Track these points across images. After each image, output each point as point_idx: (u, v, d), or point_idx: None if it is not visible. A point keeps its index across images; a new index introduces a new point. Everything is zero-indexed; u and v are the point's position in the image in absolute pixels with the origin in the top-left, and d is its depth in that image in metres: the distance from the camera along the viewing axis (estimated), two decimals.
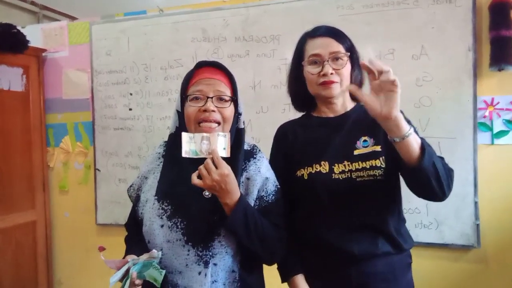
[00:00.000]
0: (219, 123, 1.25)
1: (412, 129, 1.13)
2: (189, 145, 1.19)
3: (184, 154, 1.19)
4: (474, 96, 2.15)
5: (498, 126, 2.15)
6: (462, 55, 2.16)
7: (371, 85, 1.13)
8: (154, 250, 1.20)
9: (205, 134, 1.19)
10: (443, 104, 2.19)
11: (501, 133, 2.15)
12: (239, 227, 1.19)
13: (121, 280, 1.17)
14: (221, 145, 1.19)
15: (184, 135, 1.20)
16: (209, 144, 1.18)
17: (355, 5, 2.33)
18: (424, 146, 1.14)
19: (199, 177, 1.17)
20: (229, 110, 1.27)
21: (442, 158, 1.25)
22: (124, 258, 1.23)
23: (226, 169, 1.16)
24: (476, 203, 2.15)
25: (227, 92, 1.27)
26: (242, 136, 1.33)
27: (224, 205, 1.20)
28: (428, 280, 2.21)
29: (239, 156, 1.29)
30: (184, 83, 1.30)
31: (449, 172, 1.22)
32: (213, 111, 1.23)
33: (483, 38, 2.15)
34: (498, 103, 2.14)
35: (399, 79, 2.32)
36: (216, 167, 1.15)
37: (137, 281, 1.18)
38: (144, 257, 1.19)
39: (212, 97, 1.24)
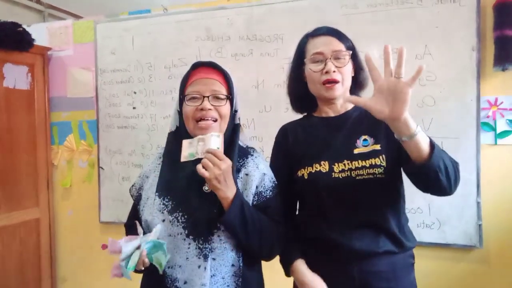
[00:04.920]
0: (216, 120, 1.29)
1: (419, 127, 1.12)
2: (188, 150, 1.23)
3: (182, 159, 1.23)
4: (477, 96, 2.14)
5: (501, 126, 2.14)
6: (466, 55, 2.15)
7: (376, 86, 1.11)
8: (157, 226, 1.21)
9: (200, 136, 1.24)
10: (447, 104, 2.18)
11: (505, 133, 2.14)
12: (236, 222, 1.21)
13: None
14: (215, 144, 1.22)
15: (185, 142, 1.24)
16: (204, 144, 1.22)
17: (359, 5, 2.33)
18: (433, 143, 1.14)
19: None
20: (225, 108, 1.31)
21: (446, 153, 1.25)
22: None
23: (229, 160, 1.20)
24: (478, 203, 2.14)
25: (222, 90, 1.31)
26: (238, 132, 1.36)
27: (222, 200, 1.21)
28: (430, 280, 2.21)
29: (234, 151, 1.31)
30: (182, 84, 1.35)
31: (456, 167, 1.22)
32: (210, 109, 1.27)
33: (487, 37, 2.15)
34: (501, 103, 2.14)
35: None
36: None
37: (146, 260, 1.19)
38: (151, 236, 1.19)
39: (208, 96, 1.28)
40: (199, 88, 1.29)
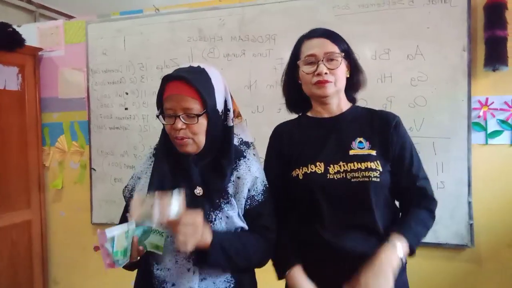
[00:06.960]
0: (191, 138, 1.26)
1: (403, 258, 1.24)
2: (140, 210, 1.15)
3: (135, 219, 1.15)
4: (468, 96, 2.15)
5: (492, 126, 2.16)
6: (457, 55, 2.16)
7: None
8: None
9: (157, 199, 1.13)
10: (438, 104, 2.20)
11: (495, 133, 2.16)
12: (221, 261, 1.21)
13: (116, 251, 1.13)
14: (174, 209, 1.12)
15: (136, 199, 1.18)
16: (161, 212, 1.11)
17: (351, 5, 2.34)
18: (413, 248, 1.27)
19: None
20: (198, 126, 1.24)
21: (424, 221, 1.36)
22: None
23: (193, 215, 1.13)
24: (470, 203, 2.16)
25: (195, 106, 1.23)
26: (231, 134, 1.34)
27: (202, 247, 1.16)
28: (422, 279, 2.21)
29: (229, 155, 1.30)
30: (158, 98, 1.31)
31: (432, 218, 1.40)
32: (182, 128, 1.24)
33: (478, 38, 2.16)
34: (492, 103, 2.15)
35: (394, 78, 2.29)
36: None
37: (140, 248, 1.17)
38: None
39: (179, 116, 1.23)
40: (171, 105, 1.24)
